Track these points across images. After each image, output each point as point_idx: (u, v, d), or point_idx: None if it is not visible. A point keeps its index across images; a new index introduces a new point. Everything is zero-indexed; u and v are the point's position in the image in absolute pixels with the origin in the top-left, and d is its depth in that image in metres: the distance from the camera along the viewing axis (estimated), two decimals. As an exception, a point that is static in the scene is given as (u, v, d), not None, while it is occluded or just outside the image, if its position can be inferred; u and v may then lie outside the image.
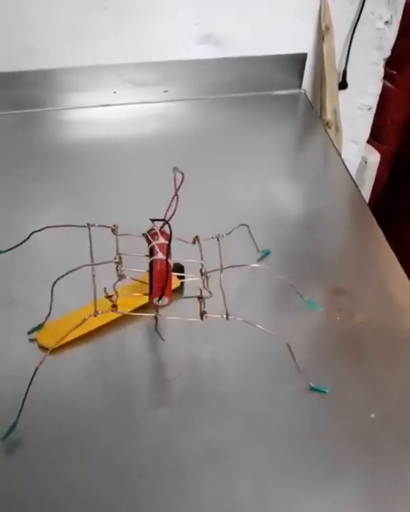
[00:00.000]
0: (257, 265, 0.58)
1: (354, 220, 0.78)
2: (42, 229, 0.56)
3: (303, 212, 0.77)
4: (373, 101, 1.01)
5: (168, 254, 0.52)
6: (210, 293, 0.53)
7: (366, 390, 0.57)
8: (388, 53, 0.96)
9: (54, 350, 0.56)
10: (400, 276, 0.67)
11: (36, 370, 0.51)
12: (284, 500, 0.50)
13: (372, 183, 1.21)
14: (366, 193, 1.21)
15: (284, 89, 0.95)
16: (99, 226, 0.55)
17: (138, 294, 0.59)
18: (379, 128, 1.15)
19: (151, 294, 0.53)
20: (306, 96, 0.96)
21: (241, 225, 0.63)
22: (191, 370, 0.58)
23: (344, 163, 0.84)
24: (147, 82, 0.90)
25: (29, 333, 0.60)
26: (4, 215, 0.74)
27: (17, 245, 0.58)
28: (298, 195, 0.80)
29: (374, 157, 1.17)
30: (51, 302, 0.57)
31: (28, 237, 0.57)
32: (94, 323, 0.60)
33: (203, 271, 0.56)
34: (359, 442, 0.53)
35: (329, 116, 0.93)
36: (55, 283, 0.54)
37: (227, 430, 0.54)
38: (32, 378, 0.50)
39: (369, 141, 1.17)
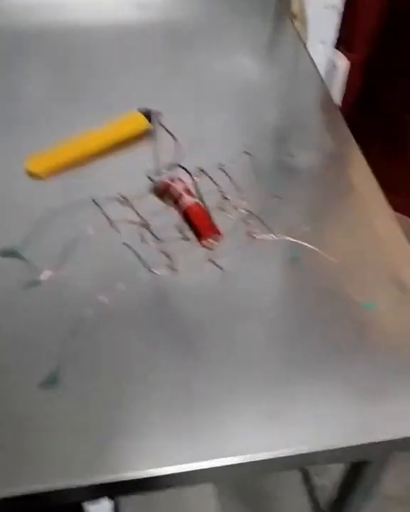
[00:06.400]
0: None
1: (323, 117, 0.85)
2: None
3: (273, 112, 0.83)
4: (339, 1, 1.09)
5: (195, 196, 0.53)
6: (247, 211, 0.55)
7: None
8: None
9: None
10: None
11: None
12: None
13: (341, 89, 1.30)
14: (335, 98, 1.29)
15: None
16: (105, 199, 0.55)
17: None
18: (349, 35, 1.23)
19: (200, 238, 0.53)
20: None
21: (244, 152, 0.65)
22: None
23: (311, 58, 0.92)
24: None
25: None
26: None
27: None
28: (268, 91, 0.86)
29: (343, 62, 1.25)
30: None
31: None
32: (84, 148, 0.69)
33: (224, 195, 0.57)
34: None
35: (295, 8, 1.00)
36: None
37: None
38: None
39: (339, 49, 1.25)
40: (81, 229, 0.54)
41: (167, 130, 0.54)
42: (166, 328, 0.55)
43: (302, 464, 0.72)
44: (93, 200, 0.53)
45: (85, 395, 0.51)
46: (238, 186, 0.56)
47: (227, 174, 0.57)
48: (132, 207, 0.53)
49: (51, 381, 0.50)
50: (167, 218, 0.53)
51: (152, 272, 0.51)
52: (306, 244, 0.55)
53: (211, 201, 0.54)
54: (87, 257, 0.50)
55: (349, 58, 1.26)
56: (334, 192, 0.71)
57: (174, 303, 0.56)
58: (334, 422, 0.52)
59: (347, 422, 0.52)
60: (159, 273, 0.51)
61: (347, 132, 0.78)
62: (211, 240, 0.52)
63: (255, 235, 0.53)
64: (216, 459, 0.49)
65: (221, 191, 0.55)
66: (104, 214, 0.52)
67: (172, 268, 0.51)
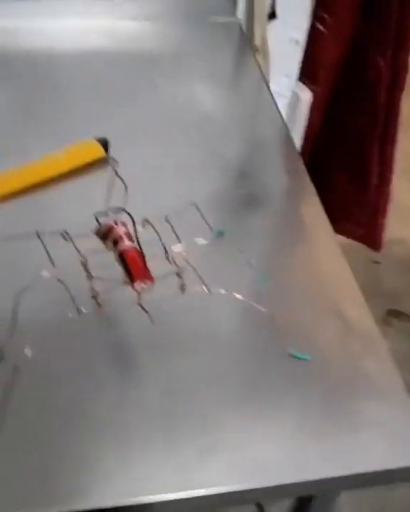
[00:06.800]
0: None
1: (281, 160, 0.84)
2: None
3: (230, 147, 0.82)
4: (301, 36, 1.11)
5: (134, 241, 0.52)
6: (187, 263, 0.54)
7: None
8: (315, -13, 1.06)
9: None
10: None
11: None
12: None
13: (305, 120, 1.32)
14: (299, 130, 1.31)
15: (220, 15, 1.04)
16: (49, 234, 0.54)
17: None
18: (312, 69, 1.26)
19: (132, 281, 0.52)
20: (240, 25, 1.05)
21: (191, 204, 0.63)
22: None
23: (272, 97, 0.93)
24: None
25: None
26: None
27: None
28: (226, 129, 0.86)
29: (306, 94, 1.28)
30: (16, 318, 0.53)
31: None
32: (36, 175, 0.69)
33: (166, 248, 0.56)
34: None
35: (257, 41, 1.02)
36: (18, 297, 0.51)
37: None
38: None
39: (303, 81, 1.27)
40: (18, 263, 0.53)
41: (119, 176, 0.54)
42: (92, 367, 0.54)
43: (242, 501, 0.71)
44: (37, 234, 0.53)
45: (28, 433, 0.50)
46: (181, 236, 0.57)
47: (172, 224, 0.58)
48: (73, 243, 0.53)
49: None
50: (105, 259, 0.53)
51: (80, 309, 0.51)
52: (239, 296, 0.55)
53: (151, 250, 0.54)
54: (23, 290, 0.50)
55: (312, 90, 1.28)
56: (284, 229, 0.72)
57: (99, 342, 0.56)
58: (275, 459, 0.52)
59: (290, 458, 0.52)
60: (85, 311, 0.51)
61: (302, 170, 0.79)
62: (141, 284, 0.52)
63: (186, 288, 0.54)
64: (158, 495, 0.49)
65: (162, 242, 0.55)
66: (45, 248, 0.52)
67: (100, 307, 0.51)
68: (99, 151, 0.72)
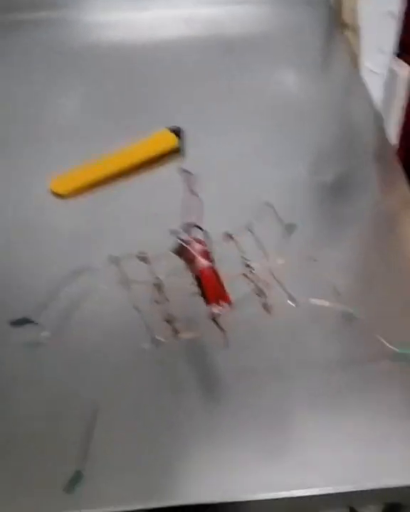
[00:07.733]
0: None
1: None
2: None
3: (317, 138, 0.78)
4: (398, 7, 1.03)
5: (211, 259, 0.49)
6: (267, 284, 0.51)
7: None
8: None
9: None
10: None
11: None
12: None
13: (404, 99, 1.23)
14: (398, 109, 1.23)
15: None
16: (127, 256, 0.52)
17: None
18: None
19: (207, 304, 0.50)
20: (328, 1, 1.00)
21: (265, 204, 0.60)
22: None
23: (362, 78, 0.88)
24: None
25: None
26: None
27: None
28: (312, 114, 0.81)
29: (405, 71, 1.19)
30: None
31: None
32: (109, 168, 0.69)
33: (248, 264, 0.52)
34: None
35: (346, 17, 0.96)
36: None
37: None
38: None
39: (401, 57, 1.19)
40: (93, 289, 0.51)
41: (192, 190, 0.51)
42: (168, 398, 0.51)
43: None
44: (111, 259, 0.51)
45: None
46: (266, 248, 0.52)
47: (254, 232, 0.54)
48: (150, 265, 0.51)
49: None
50: (184, 279, 0.50)
51: (156, 338, 0.48)
52: (329, 303, 0.50)
53: (233, 268, 0.50)
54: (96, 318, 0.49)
55: (412, 66, 1.20)
56: (371, 218, 0.67)
57: (176, 367, 0.53)
58: (365, 462, 0.49)
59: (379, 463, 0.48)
60: (162, 339, 0.48)
61: (392, 156, 0.74)
62: (218, 307, 0.48)
63: (270, 308, 0.49)
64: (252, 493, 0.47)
65: (244, 257, 0.51)
66: (122, 272, 0.50)
67: (176, 333, 0.48)
68: (172, 142, 0.71)
